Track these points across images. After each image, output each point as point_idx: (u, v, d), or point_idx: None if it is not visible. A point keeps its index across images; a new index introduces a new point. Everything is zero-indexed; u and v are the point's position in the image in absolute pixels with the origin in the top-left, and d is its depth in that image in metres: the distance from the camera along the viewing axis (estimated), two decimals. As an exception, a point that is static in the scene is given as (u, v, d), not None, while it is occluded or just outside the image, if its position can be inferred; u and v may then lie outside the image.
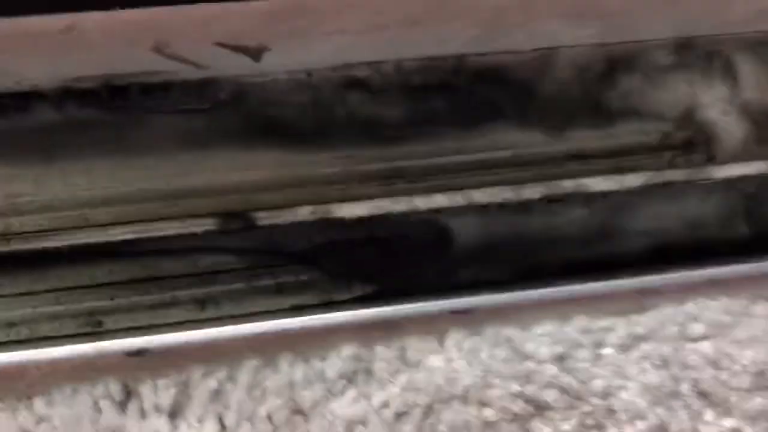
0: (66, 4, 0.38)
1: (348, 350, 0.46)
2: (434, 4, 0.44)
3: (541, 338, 0.47)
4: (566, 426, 0.45)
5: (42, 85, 0.54)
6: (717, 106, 0.63)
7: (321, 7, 0.43)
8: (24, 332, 0.54)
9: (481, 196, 0.58)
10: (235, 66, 0.55)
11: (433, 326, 0.46)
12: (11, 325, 0.54)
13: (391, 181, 0.59)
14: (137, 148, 0.56)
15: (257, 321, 0.48)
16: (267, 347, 0.45)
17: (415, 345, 0.46)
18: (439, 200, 0.58)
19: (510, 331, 0.47)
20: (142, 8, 0.39)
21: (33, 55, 0.47)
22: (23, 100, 0.55)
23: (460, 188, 0.59)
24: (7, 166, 0.55)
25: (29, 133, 0.55)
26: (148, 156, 0.57)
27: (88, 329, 0.54)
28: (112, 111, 0.56)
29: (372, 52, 0.56)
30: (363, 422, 0.44)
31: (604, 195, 0.60)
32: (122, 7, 0.39)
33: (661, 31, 0.60)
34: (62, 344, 0.49)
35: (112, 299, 0.55)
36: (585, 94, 0.61)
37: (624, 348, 0.47)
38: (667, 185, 0.61)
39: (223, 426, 0.44)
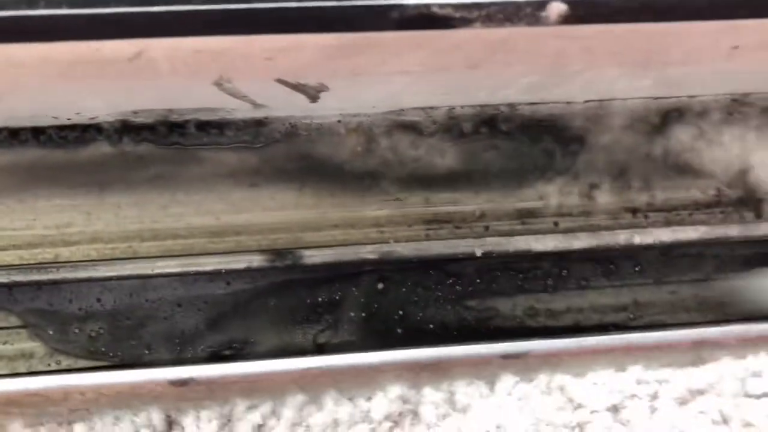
0: (137, 29, 0.39)
1: (395, 391, 0.45)
2: (498, 47, 0.45)
3: (595, 387, 0.45)
4: (620, 482, 0.43)
5: (101, 118, 0.55)
6: (771, 165, 0.62)
7: (387, 45, 0.44)
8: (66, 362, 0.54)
9: (533, 243, 0.57)
10: (290, 107, 0.56)
11: (484, 370, 0.45)
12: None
13: (439, 226, 0.59)
14: (189, 183, 0.57)
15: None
16: (312, 383, 0.44)
17: (464, 389, 0.45)
18: (490, 244, 0.57)
19: (563, 378, 0.45)
20: (213, 36, 0.40)
21: (98, 85, 0.48)
22: (81, 132, 0.56)
23: (508, 235, 0.58)
24: (60, 197, 0.56)
25: (85, 165, 0.56)
26: (199, 192, 0.57)
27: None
28: (167, 146, 0.57)
29: (426, 96, 0.57)
30: (409, 467, 0.43)
31: (658, 248, 0.59)
32: (192, 34, 0.40)
33: (717, 86, 0.60)
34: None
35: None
36: (636, 148, 0.61)
37: (681, 401, 0.45)
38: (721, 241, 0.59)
39: (265, 462, 0.43)
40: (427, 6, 0.40)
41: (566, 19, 0.41)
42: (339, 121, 0.58)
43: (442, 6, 0.40)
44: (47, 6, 0.38)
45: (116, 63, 0.44)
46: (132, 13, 0.38)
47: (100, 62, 0.43)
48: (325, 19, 0.40)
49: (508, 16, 0.40)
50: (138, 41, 0.41)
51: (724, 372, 0.46)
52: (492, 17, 0.40)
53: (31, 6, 0.38)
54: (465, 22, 0.41)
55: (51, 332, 0.54)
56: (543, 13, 0.40)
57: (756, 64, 0.53)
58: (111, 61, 0.43)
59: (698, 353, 0.46)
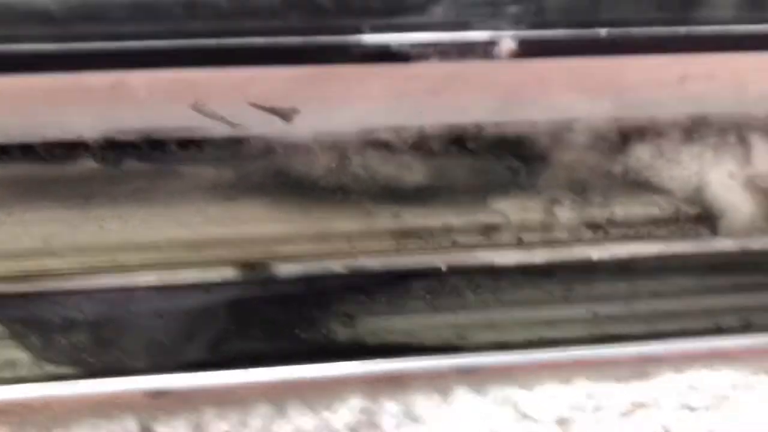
0: (116, 63, 0.42)
1: (355, 402, 0.48)
2: (455, 77, 0.48)
3: (543, 400, 0.48)
4: (568, 488, 0.46)
5: (86, 136, 0.58)
6: (727, 182, 0.65)
7: (350, 76, 0.46)
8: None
9: (495, 257, 0.60)
10: (267, 126, 0.58)
11: (439, 383, 0.48)
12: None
13: (407, 240, 0.62)
14: (170, 197, 0.60)
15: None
16: (278, 394, 0.47)
17: (420, 401, 0.48)
18: (455, 259, 0.60)
19: (514, 392, 0.48)
20: (184, 68, 0.43)
21: (82, 107, 0.51)
22: (68, 149, 0.58)
23: (471, 248, 0.61)
24: (47, 210, 0.59)
25: (71, 179, 0.59)
26: (179, 206, 0.60)
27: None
28: (149, 162, 0.59)
29: (395, 117, 0.60)
30: (368, 473, 0.46)
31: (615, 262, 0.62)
32: (167, 67, 0.42)
33: (675, 108, 0.62)
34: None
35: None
36: (597, 166, 0.64)
37: (625, 414, 0.48)
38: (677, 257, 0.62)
39: (233, 468, 0.45)
40: (386, 42, 0.43)
41: (516, 55, 0.43)
42: (314, 139, 0.61)
43: (399, 43, 0.43)
44: (32, 41, 0.41)
45: (98, 90, 0.47)
46: (110, 49, 0.41)
47: (82, 90, 0.46)
48: (290, 54, 0.43)
49: (462, 52, 0.43)
50: (116, 72, 0.44)
51: (665, 386, 0.49)
52: (446, 53, 0.43)
53: (15, 42, 0.41)
54: (421, 57, 0.43)
55: (36, 341, 0.57)
56: (494, 50, 0.43)
57: (707, 91, 0.56)
58: (93, 89, 0.46)
59: (642, 368, 0.49)
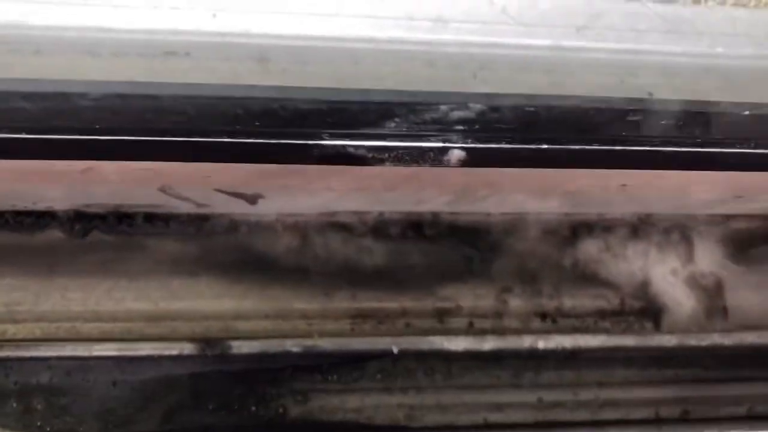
0: (85, 154, 0.44)
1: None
2: (410, 177, 0.51)
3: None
4: None
5: (56, 207, 0.60)
6: (670, 279, 0.68)
7: (309, 171, 0.49)
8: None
9: (446, 342, 0.62)
10: (231, 206, 0.61)
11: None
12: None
13: (363, 321, 0.64)
14: (133, 270, 0.62)
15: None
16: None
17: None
18: (406, 342, 0.62)
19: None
20: (153, 161, 0.45)
21: (55, 185, 0.53)
22: (37, 218, 0.61)
23: (424, 332, 0.63)
24: (12, 277, 0.60)
25: (38, 249, 0.61)
26: (141, 278, 0.62)
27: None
28: (115, 234, 0.62)
29: (356, 203, 0.63)
30: None
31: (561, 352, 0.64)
32: (134, 160, 0.45)
33: (621, 207, 0.66)
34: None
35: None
36: (548, 257, 0.67)
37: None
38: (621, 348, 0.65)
39: None
40: (344, 146, 0.46)
41: (465, 163, 0.47)
42: (276, 220, 0.64)
43: (356, 147, 0.46)
44: (9, 132, 0.43)
45: (69, 174, 0.49)
46: (80, 140, 0.44)
47: (54, 173, 0.49)
48: (254, 154, 0.46)
49: (414, 158, 0.46)
50: (88, 162, 0.46)
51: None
52: (400, 158, 0.46)
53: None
54: (377, 161, 0.46)
55: (-10, 405, 0.58)
56: (445, 157, 0.46)
57: (648, 196, 0.60)
58: (64, 173, 0.49)
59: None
